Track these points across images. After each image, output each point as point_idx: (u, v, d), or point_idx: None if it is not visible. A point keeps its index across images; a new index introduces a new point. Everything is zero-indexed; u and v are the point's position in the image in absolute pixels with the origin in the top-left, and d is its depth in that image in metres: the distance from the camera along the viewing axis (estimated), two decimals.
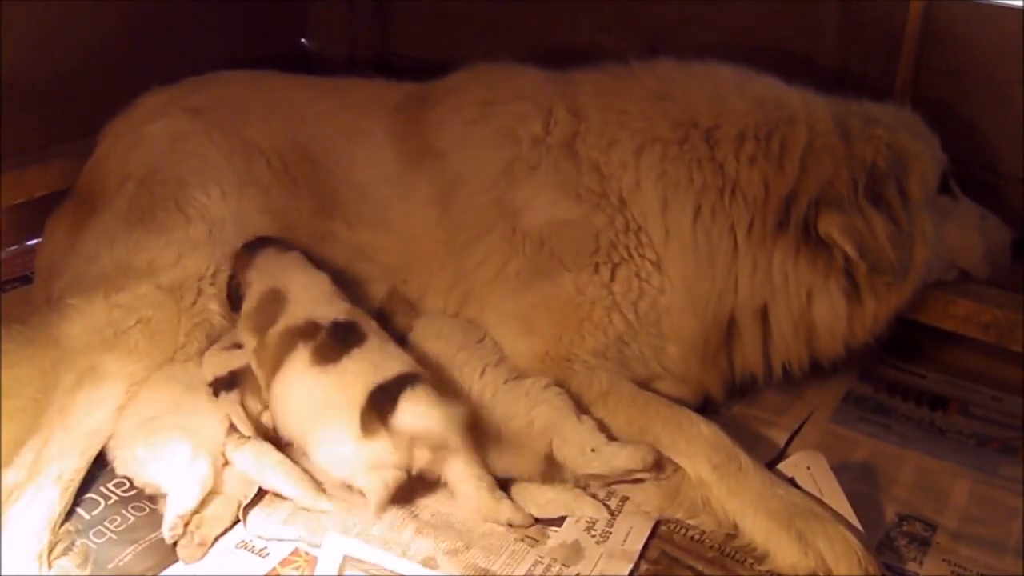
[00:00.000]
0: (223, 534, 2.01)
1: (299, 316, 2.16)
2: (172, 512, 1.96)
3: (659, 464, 2.14)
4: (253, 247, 2.34)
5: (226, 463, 2.07)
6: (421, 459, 2.00)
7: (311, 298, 2.21)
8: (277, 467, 2.06)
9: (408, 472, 2.00)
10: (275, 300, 2.21)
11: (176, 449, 2.03)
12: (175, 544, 1.96)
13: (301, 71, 2.85)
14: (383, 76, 2.75)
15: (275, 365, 2.11)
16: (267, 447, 2.08)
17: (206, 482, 2.00)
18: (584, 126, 2.37)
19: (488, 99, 2.48)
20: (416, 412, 1.95)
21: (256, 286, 2.26)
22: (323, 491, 2.07)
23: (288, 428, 2.11)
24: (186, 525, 1.97)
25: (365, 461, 1.99)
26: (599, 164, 2.33)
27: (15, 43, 2.76)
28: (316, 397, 2.04)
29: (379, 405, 1.96)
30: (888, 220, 2.22)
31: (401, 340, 2.28)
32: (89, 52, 2.96)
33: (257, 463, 2.06)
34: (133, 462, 2.08)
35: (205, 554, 1.96)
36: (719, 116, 2.31)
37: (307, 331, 2.12)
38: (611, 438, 2.16)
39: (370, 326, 2.17)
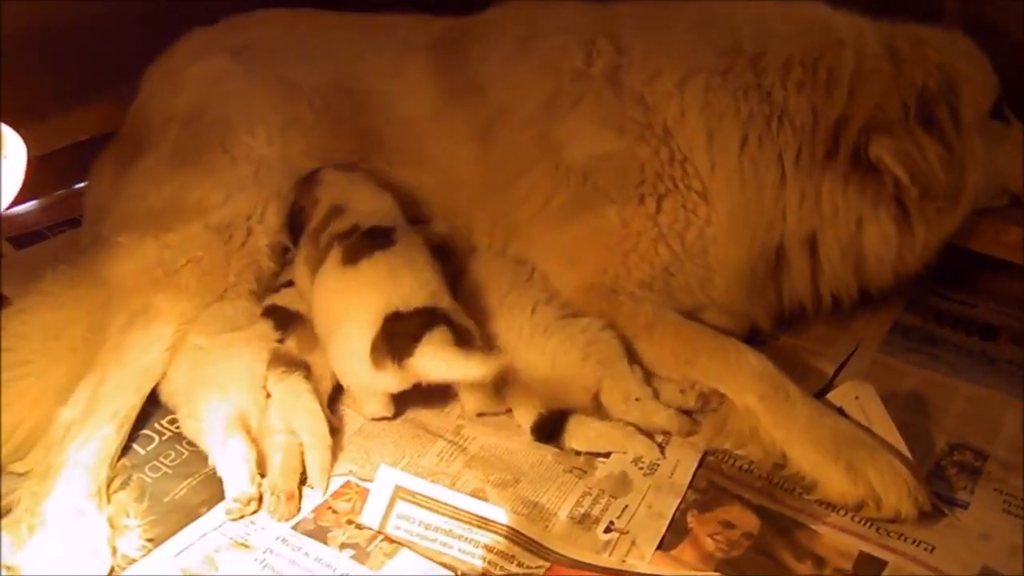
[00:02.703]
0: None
1: (348, 221, 2.20)
2: (229, 497, 1.95)
3: (706, 398, 2.15)
4: (315, 171, 2.38)
5: (269, 396, 2.09)
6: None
7: (364, 208, 2.24)
8: (306, 414, 2.05)
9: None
10: (336, 213, 2.24)
11: (211, 424, 2.03)
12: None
13: (336, 8, 2.82)
14: (419, 11, 2.73)
15: (317, 266, 2.16)
16: (305, 388, 2.08)
17: (248, 459, 1.98)
18: (627, 57, 2.33)
19: (528, 33, 2.45)
20: (434, 361, 1.96)
21: (323, 203, 2.30)
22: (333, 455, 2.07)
23: (318, 328, 2.15)
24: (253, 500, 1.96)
25: (368, 383, 2.07)
26: (643, 95, 2.29)
27: None
28: (337, 299, 2.09)
29: (392, 338, 1.98)
30: (940, 144, 2.18)
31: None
32: None
33: (292, 401, 2.07)
34: (187, 430, 2.11)
35: (299, 506, 1.95)
36: (764, 43, 2.26)
37: (347, 233, 2.16)
38: (656, 371, 2.19)
39: (409, 240, 2.17)
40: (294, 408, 2.06)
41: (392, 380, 2.03)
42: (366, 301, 2.03)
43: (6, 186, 1.32)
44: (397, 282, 2.04)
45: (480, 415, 2.17)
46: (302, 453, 2.03)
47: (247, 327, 2.20)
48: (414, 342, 1.96)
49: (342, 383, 2.15)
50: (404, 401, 2.17)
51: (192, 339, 2.18)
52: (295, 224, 2.35)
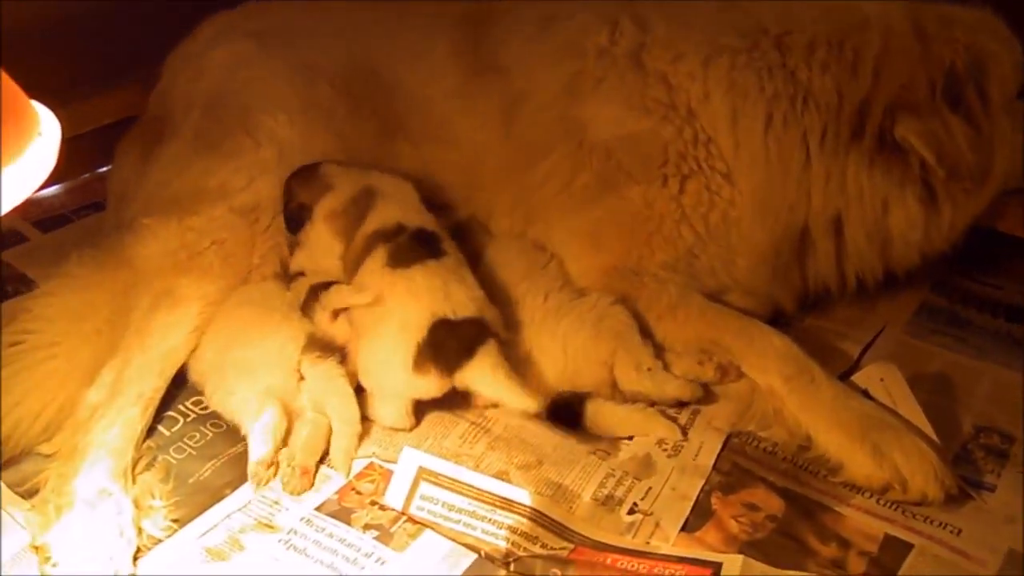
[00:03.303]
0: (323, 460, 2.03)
1: (390, 218, 2.14)
2: (250, 462, 1.98)
3: (724, 370, 2.15)
4: (312, 166, 2.31)
5: (302, 378, 2.08)
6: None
7: (401, 201, 2.20)
8: (340, 398, 2.05)
9: None
10: (366, 199, 2.19)
11: (245, 397, 2.05)
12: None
13: None
14: None
15: (356, 266, 2.12)
16: (339, 373, 2.08)
17: (276, 429, 2.00)
18: (650, 37, 2.31)
19: (550, 12, 2.44)
20: (486, 379, 1.96)
21: (342, 188, 2.23)
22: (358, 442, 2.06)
23: (355, 326, 2.10)
24: (273, 465, 1.99)
25: (402, 388, 2.03)
26: (667, 75, 2.27)
27: None
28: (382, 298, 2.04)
29: (440, 347, 1.96)
30: (967, 124, 2.15)
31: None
32: None
33: (325, 385, 2.06)
34: (217, 404, 2.12)
35: (312, 482, 1.97)
36: (789, 22, 2.23)
37: (392, 233, 2.11)
38: (679, 352, 2.18)
39: (452, 246, 2.14)
40: (327, 392, 2.06)
41: (431, 387, 2.01)
42: (413, 305, 1.99)
43: (42, 164, 1.33)
44: (448, 291, 2.01)
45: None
46: (327, 433, 2.04)
47: (279, 308, 2.20)
48: (466, 355, 1.96)
49: (364, 385, 2.10)
50: None
51: (225, 319, 2.19)
52: (296, 220, 2.28)
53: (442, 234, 2.17)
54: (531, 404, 1.98)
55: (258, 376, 2.06)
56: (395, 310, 2.01)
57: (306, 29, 2.59)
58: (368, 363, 2.06)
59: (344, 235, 2.20)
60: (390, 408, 2.07)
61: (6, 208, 1.28)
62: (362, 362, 2.07)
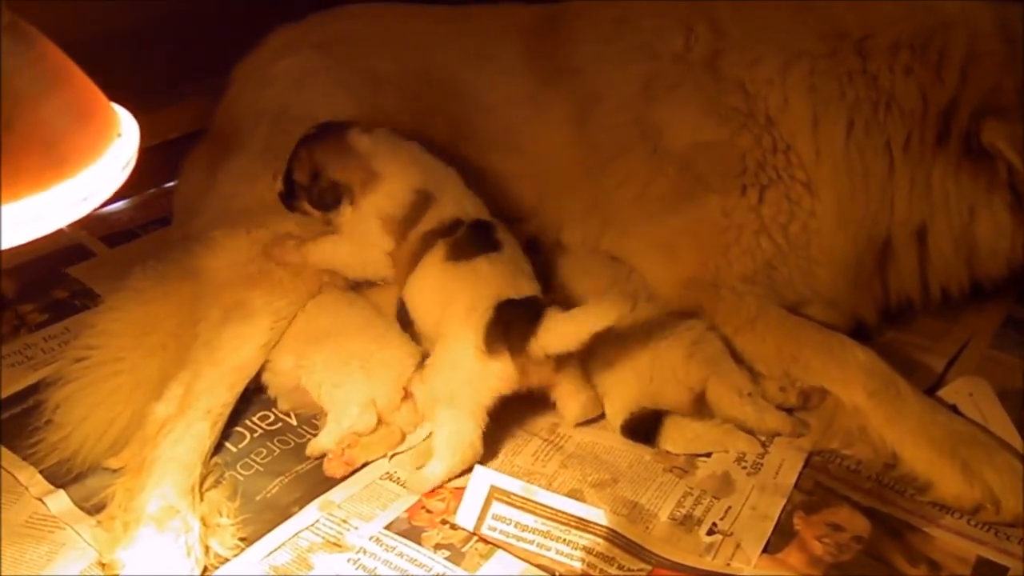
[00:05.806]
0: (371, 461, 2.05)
1: (447, 214, 2.13)
2: (314, 442, 2.05)
3: (807, 396, 2.08)
4: (337, 131, 2.22)
5: (406, 396, 2.07)
6: (535, 378, 1.99)
7: (453, 192, 2.18)
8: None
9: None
10: (423, 202, 2.15)
11: (350, 393, 2.05)
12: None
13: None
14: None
15: (413, 263, 2.10)
16: None
17: (349, 437, 2.04)
18: (726, 42, 2.26)
19: (623, 15, 2.39)
20: (559, 328, 1.89)
21: (396, 184, 2.17)
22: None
23: (422, 324, 2.10)
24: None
25: (475, 381, 1.96)
26: (744, 82, 2.22)
27: None
28: (443, 291, 2.03)
29: (508, 325, 1.92)
30: None
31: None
32: None
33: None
34: (315, 387, 2.10)
35: (347, 474, 2.00)
36: (870, 25, 2.17)
37: (449, 228, 2.10)
38: (758, 367, 2.13)
39: (505, 233, 2.13)
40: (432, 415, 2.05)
41: (505, 371, 1.93)
42: (481, 291, 1.97)
43: (122, 165, 1.32)
44: (514, 279, 2.02)
45: (579, 424, 2.11)
46: (393, 443, 2.07)
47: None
48: (535, 320, 1.90)
49: (436, 397, 2.02)
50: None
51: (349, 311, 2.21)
52: (330, 200, 2.19)
53: (495, 222, 2.15)
54: (616, 310, 1.89)
55: (373, 378, 2.06)
56: (460, 299, 1.99)
57: (372, 39, 2.57)
58: (440, 364, 2.00)
59: (397, 234, 2.16)
60: (462, 426, 1.99)
61: (91, 207, 1.28)
62: (432, 366, 2.02)
